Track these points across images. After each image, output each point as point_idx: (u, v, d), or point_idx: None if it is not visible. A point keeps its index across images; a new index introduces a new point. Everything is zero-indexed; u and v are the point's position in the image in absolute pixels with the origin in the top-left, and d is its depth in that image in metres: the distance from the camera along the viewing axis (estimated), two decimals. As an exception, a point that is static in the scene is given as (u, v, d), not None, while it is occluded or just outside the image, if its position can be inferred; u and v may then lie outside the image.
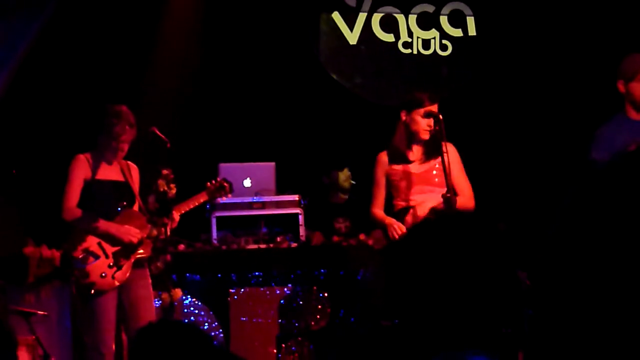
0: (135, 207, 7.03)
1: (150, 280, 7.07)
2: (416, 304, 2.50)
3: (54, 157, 7.21)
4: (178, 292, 7.61)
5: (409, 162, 6.89)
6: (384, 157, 7.00)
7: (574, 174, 7.75)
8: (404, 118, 6.88)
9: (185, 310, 8.03)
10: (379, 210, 6.95)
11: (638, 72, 6.55)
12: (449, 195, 6.49)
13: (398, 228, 6.67)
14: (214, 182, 7.46)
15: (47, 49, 8.11)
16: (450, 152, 6.81)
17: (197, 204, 7.31)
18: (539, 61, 9.85)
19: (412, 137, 6.87)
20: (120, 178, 7.02)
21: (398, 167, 6.92)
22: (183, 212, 7.16)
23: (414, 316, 2.50)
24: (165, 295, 7.39)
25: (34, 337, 7.09)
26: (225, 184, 7.46)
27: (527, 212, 8.60)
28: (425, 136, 6.78)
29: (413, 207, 6.79)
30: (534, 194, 8.99)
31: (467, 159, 7.06)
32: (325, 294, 8.21)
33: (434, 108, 6.81)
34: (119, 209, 6.93)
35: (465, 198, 6.85)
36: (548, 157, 9.25)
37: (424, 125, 6.78)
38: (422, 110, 6.79)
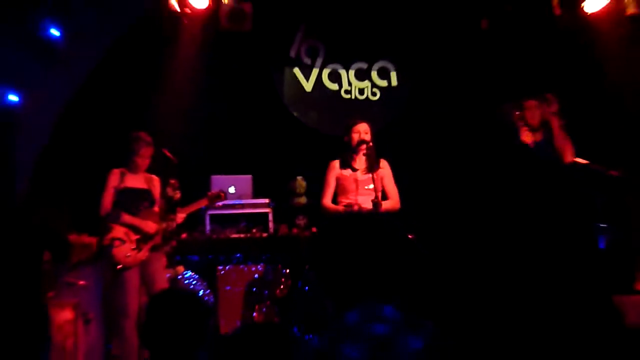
0: (156, 208, 7.07)
1: (164, 260, 7.14)
2: (332, 271, 2.60)
3: (99, 170, 7.26)
4: (181, 268, 7.72)
5: (355, 170, 6.92)
6: (335, 164, 7.02)
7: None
8: (345, 139, 6.99)
9: (186, 281, 7.90)
10: (330, 203, 6.97)
11: (524, 106, 6.79)
12: (375, 200, 6.67)
13: (355, 207, 6.72)
14: (214, 191, 7.57)
15: (89, 92, 8.13)
16: (384, 167, 6.97)
17: (199, 207, 7.37)
18: (444, 103, 9.86)
19: (354, 150, 6.93)
20: (144, 186, 7.07)
21: (347, 173, 6.93)
22: (189, 212, 7.23)
23: (331, 280, 2.56)
24: (171, 271, 7.51)
25: (77, 300, 7.05)
26: (221, 194, 7.55)
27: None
28: (362, 148, 6.85)
29: (358, 204, 6.82)
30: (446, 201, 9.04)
31: (395, 172, 7.15)
32: (287, 271, 8.20)
33: (365, 127, 6.90)
34: (142, 208, 6.99)
35: (394, 201, 6.93)
36: (457, 171, 9.29)
37: (356, 139, 6.87)
38: (356, 128, 6.89)
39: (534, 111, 6.75)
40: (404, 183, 7.33)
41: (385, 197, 6.93)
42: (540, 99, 6.79)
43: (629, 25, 8.91)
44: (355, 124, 6.98)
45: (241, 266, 8.40)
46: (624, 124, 9.07)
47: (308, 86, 10.00)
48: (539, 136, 6.78)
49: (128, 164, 7.03)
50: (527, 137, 6.77)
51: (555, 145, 6.62)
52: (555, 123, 6.58)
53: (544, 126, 6.74)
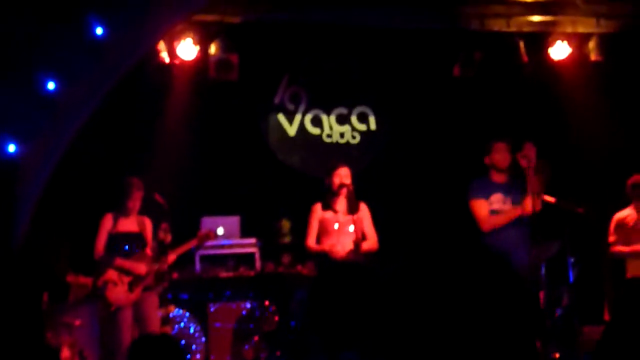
0: (148, 250, 7.15)
1: (156, 299, 7.19)
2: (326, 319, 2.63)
3: (95, 213, 7.32)
4: (171, 308, 7.78)
5: (336, 211, 6.98)
6: (317, 206, 7.05)
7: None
8: (327, 182, 7.06)
9: (177, 319, 8.02)
10: (313, 244, 7.01)
11: (492, 148, 6.83)
12: (356, 241, 6.74)
13: (338, 251, 6.77)
14: (203, 232, 7.63)
15: (85, 139, 8.16)
16: (364, 210, 7.06)
17: (190, 247, 7.44)
18: (418, 147, 10.05)
19: (335, 193, 6.97)
20: (136, 229, 7.16)
21: (329, 215, 6.98)
22: (180, 253, 7.30)
23: (326, 326, 2.62)
24: (162, 310, 7.56)
25: (73, 339, 7.06)
26: (210, 233, 7.62)
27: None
28: (342, 191, 6.91)
29: (340, 244, 6.86)
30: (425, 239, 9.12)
31: (374, 211, 7.21)
32: (274, 307, 8.26)
33: (346, 170, 6.96)
34: (134, 251, 7.07)
35: (372, 242, 7.01)
36: (432, 210, 9.43)
37: (337, 182, 6.93)
38: (337, 172, 6.94)
39: (503, 154, 6.78)
40: (382, 222, 7.41)
41: (364, 238, 7.01)
42: (509, 142, 6.84)
43: (592, 71, 9.10)
44: (336, 167, 7.06)
45: (230, 303, 8.40)
46: (588, 164, 9.24)
47: (291, 131, 10.09)
48: (505, 177, 6.83)
49: (120, 208, 7.14)
50: (497, 177, 6.83)
51: (527, 191, 6.63)
52: (531, 171, 6.60)
53: (512, 168, 6.79)
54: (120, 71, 7.34)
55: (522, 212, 6.62)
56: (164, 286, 7.55)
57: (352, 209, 6.87)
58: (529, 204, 6.57)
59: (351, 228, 6.90)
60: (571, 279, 7.91)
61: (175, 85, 9.17)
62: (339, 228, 6.96)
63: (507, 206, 6.73)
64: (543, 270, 7.68)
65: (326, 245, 6.93)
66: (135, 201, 7.12)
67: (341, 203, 7.01)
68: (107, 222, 7.07)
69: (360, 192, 7.15)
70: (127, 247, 7.06)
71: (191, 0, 7.38)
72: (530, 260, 6.89)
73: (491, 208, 6.70)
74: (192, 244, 7.47)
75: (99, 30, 7.16)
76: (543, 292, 7.12)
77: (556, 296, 8.01)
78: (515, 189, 6.71)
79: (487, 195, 6.73)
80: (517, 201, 6.72)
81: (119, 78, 7.35)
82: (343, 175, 7.00)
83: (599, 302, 8.31)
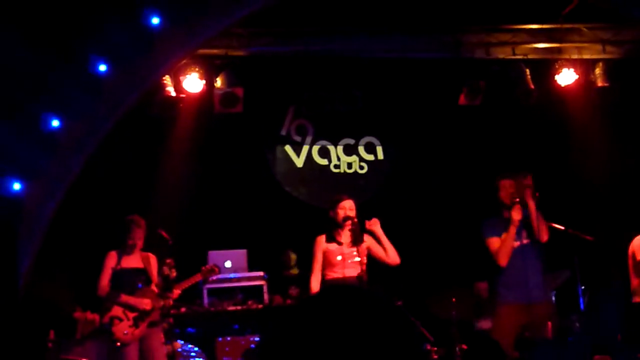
0: (153, 286, 7.10)
1: (162, 335, 7.12)
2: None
3: (98, 252, 7.31)
4: (177, 344, 7.72)
5: (340, 243, 6.88)
6: (321, 238, 6.94)
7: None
8: (331, 215, 7.00)
9: (185, 354, 7.92)
10: (315, 283, 6.85)
11: (498, 186, 6.70)
12: (360, 274, 6.66)
13: None
14: (207, 266, 7.59)
15: (88, 176, 8.17)
16: (368, 239, 6.91)
17: (194, 282, 7.39)
18: (425, 176, 10.05)
19: (340, 225, 6.88)
20: (140, 265, 7.11)
21: (333, 247, 6.88)
22: (184, 288, 7.25)
23: None
24: (169, 346, 7.49)
25: None
26: (215, 268, 7.55)
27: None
28: (347, 224, 6.80)
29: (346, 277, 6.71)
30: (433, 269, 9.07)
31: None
32: None
33: (350, 203, 6.87)
34: (139, 287, 7.02)
35: (392, 256, 6.90)
36: (440, 241, 9.39)
37: (342, 215, 6.85)
38: (341, 204, 6.85)
39: (509, 190, 6.70)
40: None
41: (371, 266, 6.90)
42: (514, 177, 6.74)
43: (599, 97, 9.03)
44: (341, 200, 6.97)
45: (238, 337, 8.33)
46: (595, 190, 9.16)
47: (299, 162, 10.11)
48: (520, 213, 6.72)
49: (124, 245, 7.12)
50: (508, 214, 6.72)
51: (532, 224, 6.54)
52: (532, 203, 6.52)
53: (522, 203, 6.69)
54: (123, 108, 7.37)
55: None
56: (170, 322, 7.49)
57: (356, 241, 6.78)
58: (544, 234, 6.51)
59: (356, 260, 6.75)
60: (582, 307, 7.81)
61: (181, 119, 9.17)
62: (342, 260, 6.86)
63: (523, 240, 6.64)
64: (553, 299, 7.59)
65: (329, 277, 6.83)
66: (137, 239, 7.11)
67: (345, 235, 6.93)
68: (111, 260, 7.05)
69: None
70: (131, 282, 7.03)
71: (192, 38, 7.40)
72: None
73: None
74: (197, 278, 7.41)
75: (102, 67, 7.20)
76: (553, 320, 7.00)
77: (567, 324, 7.90)
78: (527, 222, 6.63)
79: (500, 234, 6.65)
80: (531, 234, 6.63)
81: (122, 114, 7.38)
82: (348, 207, 6.90)
83: (610, 330, 8.18)
